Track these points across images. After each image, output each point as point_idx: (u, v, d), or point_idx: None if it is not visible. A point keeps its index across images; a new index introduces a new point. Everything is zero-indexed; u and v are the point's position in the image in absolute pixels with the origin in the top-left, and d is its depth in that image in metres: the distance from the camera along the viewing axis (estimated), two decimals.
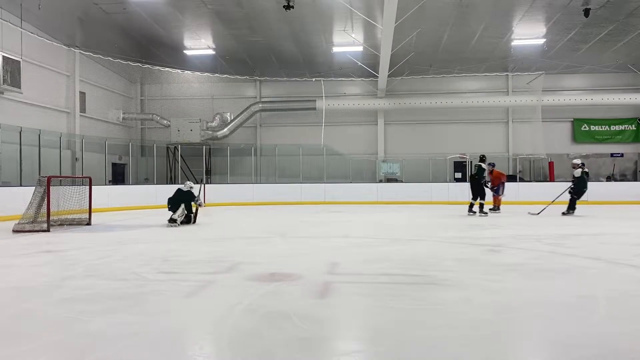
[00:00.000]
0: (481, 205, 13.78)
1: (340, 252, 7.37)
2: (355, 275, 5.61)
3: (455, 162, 22.61)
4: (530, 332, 3.66)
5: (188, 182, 11.97)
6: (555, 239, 8.59)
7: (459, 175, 22.40)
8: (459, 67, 22.52)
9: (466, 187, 20.47)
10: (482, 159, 14.33)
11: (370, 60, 21.09)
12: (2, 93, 15.82)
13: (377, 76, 21.60)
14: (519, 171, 23.18)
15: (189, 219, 11.56)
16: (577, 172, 13.88)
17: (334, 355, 3.29)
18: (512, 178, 21.78)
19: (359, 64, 21.36)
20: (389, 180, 22.82)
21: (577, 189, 13.77)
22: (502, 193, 15.34)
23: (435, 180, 21.38)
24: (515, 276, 5.48)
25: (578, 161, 14.10)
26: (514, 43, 20.39)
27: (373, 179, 23.01)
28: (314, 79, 23.22)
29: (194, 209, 11.77)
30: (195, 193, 11.75)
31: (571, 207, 13.69)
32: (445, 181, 21.53)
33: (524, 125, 23.63)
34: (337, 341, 3.53)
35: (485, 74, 23.60)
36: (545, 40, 19.83)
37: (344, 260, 6.57)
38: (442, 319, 3.90)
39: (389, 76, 21.56)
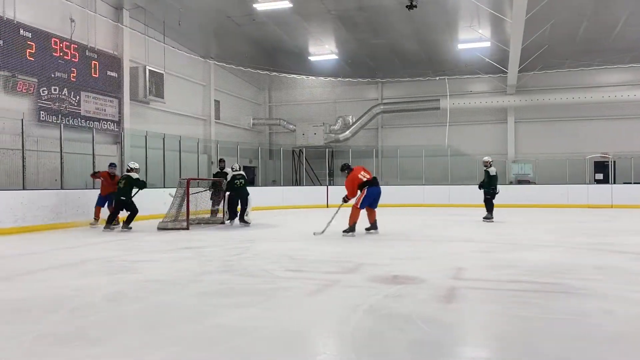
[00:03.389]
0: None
1: (466, 256, 7.10)
2: (482, 281, 5.37)
3: (595, 162, 20.75)
4: None
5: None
6: None
7: (600, 176, 20.51)
8: (599, 59, 20.61)
9: (608, 189, 18.80)
10: (221, 165, 13.62)
11: (498, 55, 20.12)
12: (149, 103, 17.53)
13: (507, 72, 20.53)
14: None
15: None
16: None
17: None
18: None
19: (487, 60, 20.48)
20: (520, 182, 21.56)
21: None
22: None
23: (573, 181, 19.78)
24: None
25: None
26: None
27: (502, 181, 21.83)
28: (437, 78, 22.68)
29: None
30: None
31: None
32: (585, 183, 19.83)
33: None
34: (462, 347, 3.40)
35: (630, 64, 21.29)
36: None
37: (469, 265, 6.33)
38: (578, 330, 3.59)
39: (519, 72, 20.39)
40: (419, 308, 4.13)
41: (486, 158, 12.70)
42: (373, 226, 9.80)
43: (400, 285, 5.01)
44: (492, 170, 12.41)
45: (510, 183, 21.52)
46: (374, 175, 9.93)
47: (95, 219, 11.75)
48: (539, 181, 20.98)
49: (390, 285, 5.03)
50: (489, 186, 12.38)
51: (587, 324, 3.75)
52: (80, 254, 7.52)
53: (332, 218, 9.76)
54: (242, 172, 12.13)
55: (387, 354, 3.13)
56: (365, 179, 9.56)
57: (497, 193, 12.45)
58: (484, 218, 12.45)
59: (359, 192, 9.56)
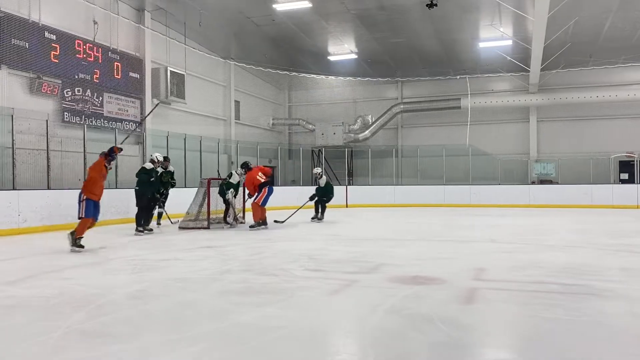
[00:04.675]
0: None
1: (487, 257, 7.04)
2: (503, 282, 5.32)
3: (620, 162, 20.35)
4: None
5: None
6: None
7: (625, 176, 20.12)
8: (624, 56, 20.19)
9: (634, 189, 18.42)
10: (165, 164, 11.79)
11: (520, 54, 19.86)
12: (170, 104, 17.70)
13: (529, 70, 20.25)
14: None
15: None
16: None
17: None
18: None
19: (508, 58, 20.23)
20: (542, 181, 21.25)
21: None
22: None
23: (597, 181, 19.44)
24: None
25: None
26: None
27: (525, 181, 21.60)
28: (458, 77, 22.49)
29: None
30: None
31: None
32: (609, 182, 19.48)
33: None
34: (483, 348, 3.38)
35: None
36: None
37: (490, 265, 6.27)
38: (603, 332, 3.54)
39: (541, 70, 20.08)
40: (439, 309, 4.11)
41: (316, 170, 13.71)
42: (264, 222, 10.82)
43: (421, 286, 4.99)
44: (322, 182, 13.21)
45: (533, 183, 21.24)
46: (271, 175, 11.23)
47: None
48: (562, 181, 20.65)
49: (411, 285, 5.01)
50: (319, 195, 13.14)
51: (611, 325, 3.69)
52: (105, 253, 7.65)
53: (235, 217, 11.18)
54: (226, 177, 11.90)
55: (408, 354, 3.12)
56: (263, 180, 10.51)
57: (324, 199, 13.13)
58: (312, 218, 13.07)
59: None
